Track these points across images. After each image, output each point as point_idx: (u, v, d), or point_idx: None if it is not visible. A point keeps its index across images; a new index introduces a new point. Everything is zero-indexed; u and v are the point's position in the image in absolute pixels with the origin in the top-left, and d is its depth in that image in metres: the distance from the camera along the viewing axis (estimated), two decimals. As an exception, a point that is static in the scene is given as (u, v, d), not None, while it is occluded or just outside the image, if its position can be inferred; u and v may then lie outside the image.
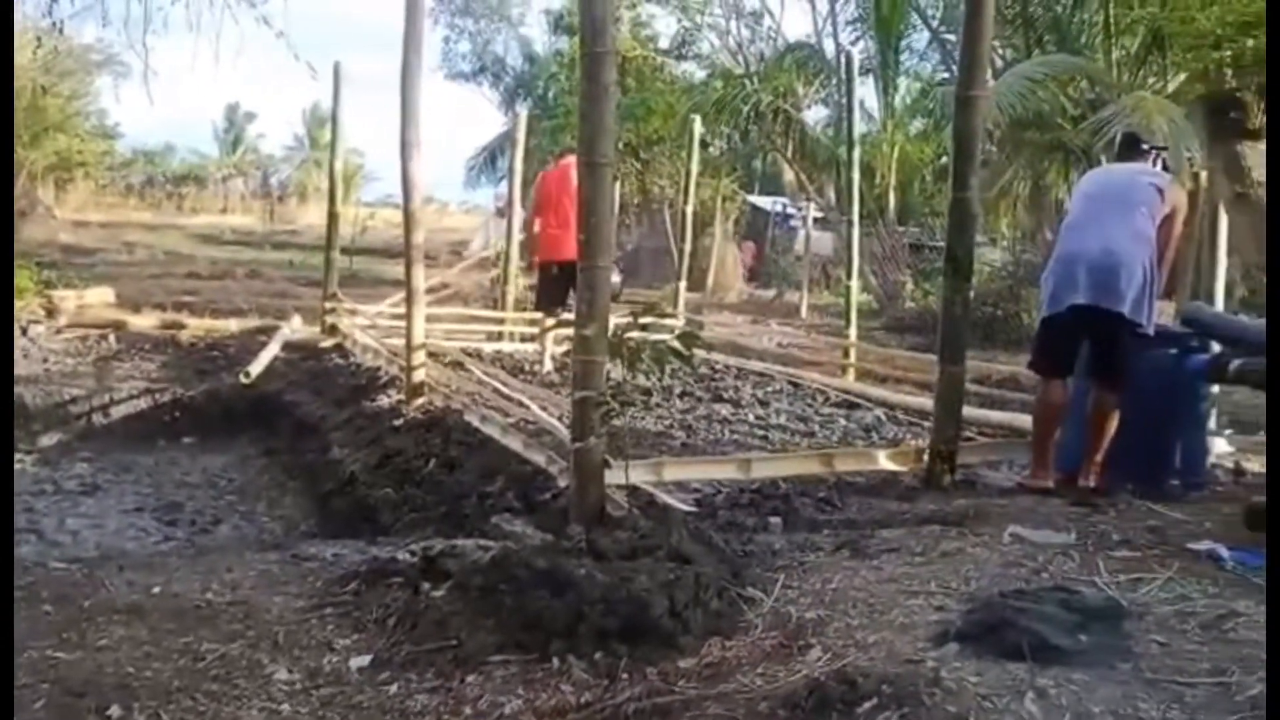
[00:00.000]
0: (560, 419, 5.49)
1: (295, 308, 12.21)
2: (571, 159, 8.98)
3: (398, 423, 6.71)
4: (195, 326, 11.05)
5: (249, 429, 8.13)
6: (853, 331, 9.34)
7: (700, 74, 25.74)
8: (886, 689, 2.81)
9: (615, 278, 9.39)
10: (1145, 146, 5.41)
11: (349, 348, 9.89)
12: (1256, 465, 5.65)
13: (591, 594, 3.40)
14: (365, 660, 3.37)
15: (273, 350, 9.36)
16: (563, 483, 4.75)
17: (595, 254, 4.11)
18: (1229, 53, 5.94)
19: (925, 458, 5.28)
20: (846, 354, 9.40)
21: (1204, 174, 6.74)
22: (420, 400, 6.98)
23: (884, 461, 5.42)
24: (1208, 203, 6.43)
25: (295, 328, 10.72)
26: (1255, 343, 4.65)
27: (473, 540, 4.28)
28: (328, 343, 10.35)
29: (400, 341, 7.71)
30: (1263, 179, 5.79)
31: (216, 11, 7.58)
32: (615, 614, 3.35)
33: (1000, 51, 17.93)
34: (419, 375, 7.06)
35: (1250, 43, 5.77)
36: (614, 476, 4.44)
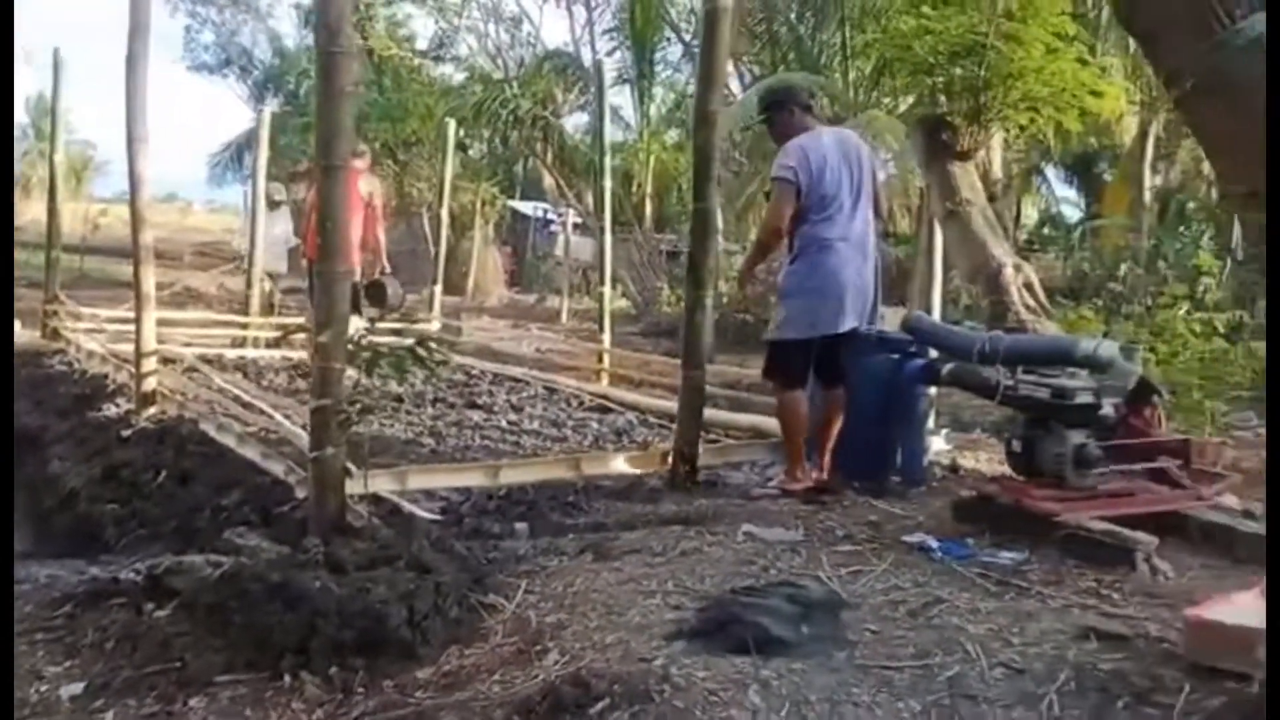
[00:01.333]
0: (303, 427, 5.32)
1: (15, 311, 11.28)
2: (354, 162, 8.88)
3: (126, 433, 6.31)
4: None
5: (-44, 443, 7.46)
6: (606, 337, 9.48)
7: (459, 77, 25.52)
8: (618, 689, 2.88)
9: (396, 286, 9.20)
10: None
11: (73, 354, 9.23)
12: (971, 461, 6.10)
13: (326, 607, 3.31)
14: (78, 688, 3.16)
15: (-15, 357, 8.62)
16: (301, 493, 4.60)
17: (332, 258, 4.01)
18: (941, 79, 6.45)
19: (669, 460, 5.43)
20: (600, 359, 9.54)
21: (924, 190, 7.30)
22: (152, 409, 6.60)
23: (630, 465, 5.54)
24: (926, 218, 6.95)
25: (14, 333, 9.90)
26: (962, 349, 5.04)
27: (203, 556, 4.07)
28: (49, 348, 9.61)
29: (130, 347, 7.27)
30: (969, 198, 6.31)
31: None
32: (351, 626, 3.28)
33: (749, 67, 18.73)
34: (150, 383, 6.67)
35: (958, 71, 6.29)
36: (355, 486, 4.35)
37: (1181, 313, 5.92)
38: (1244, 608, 3.15)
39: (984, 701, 2.86)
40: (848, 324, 5.12)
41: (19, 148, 43.42)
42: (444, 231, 11.79)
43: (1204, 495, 4.54)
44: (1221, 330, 5.87)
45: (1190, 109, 2.48)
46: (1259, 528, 4.39)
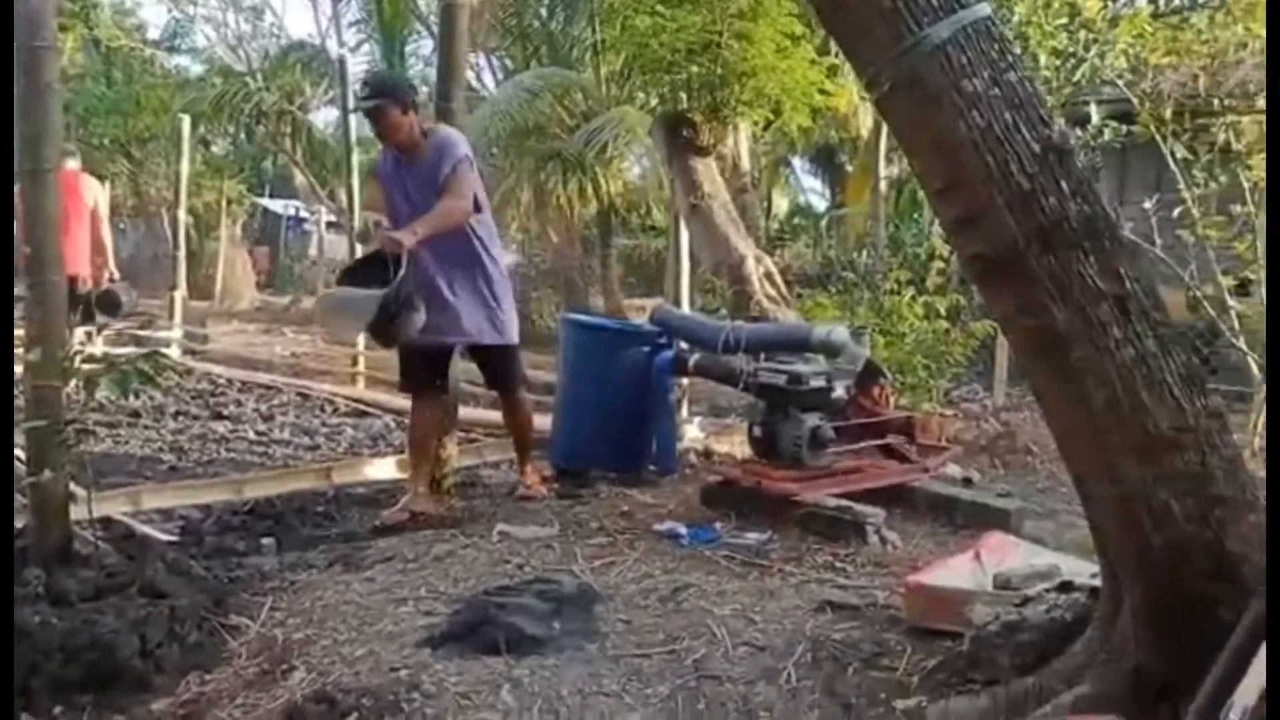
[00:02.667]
0: (22, 450, 4.93)
1: None
2: (68, 163, 8.27)
3: None
4: None
5: None
6: (360, 338, 9.24)
7: (197, 69, 24.22)
8: (367, 702, 2.84)
9: (130, 293, 8.62)
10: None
11: None
12: (726, 447, 6.29)
13: (48, 643, 3.11)
14: None
15: None
16: (21, 521, 4.27)
17: (43, 268, 3.73)
18: (680, 77, 6.64)
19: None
20: (355, 361, 9.30)
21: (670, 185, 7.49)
22: None
23: (384, 470, 5.44)
24: (670, 213, 7.15)
25: None
26: (708, 340, 5.22)
27: (-95, 598, 3.72)
28: None
29: None
30: (711, 192, 6.53)
31: None
32: (77, 661, 3.09)
33: (502, 60, 18.69)
34: None
35: (695, 68, 6.50)
36: (81, 510, 4.06)
37: (907, 297, 6.32)
38: (958, 571, 3.41)
39: (727, 680, 2.98)
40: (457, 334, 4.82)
41: None
42: (181, 233, 11.15)
43: (929, 467, 4.89)
44: (942, 313, 6.31)
45: (888, 110, 2.65)
46: (977, 495, 4.77)
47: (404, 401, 8.02)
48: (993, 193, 2.40)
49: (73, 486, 3.86)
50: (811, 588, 3.70)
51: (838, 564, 3.95)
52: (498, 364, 5.02)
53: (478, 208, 4.72)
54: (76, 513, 4.05)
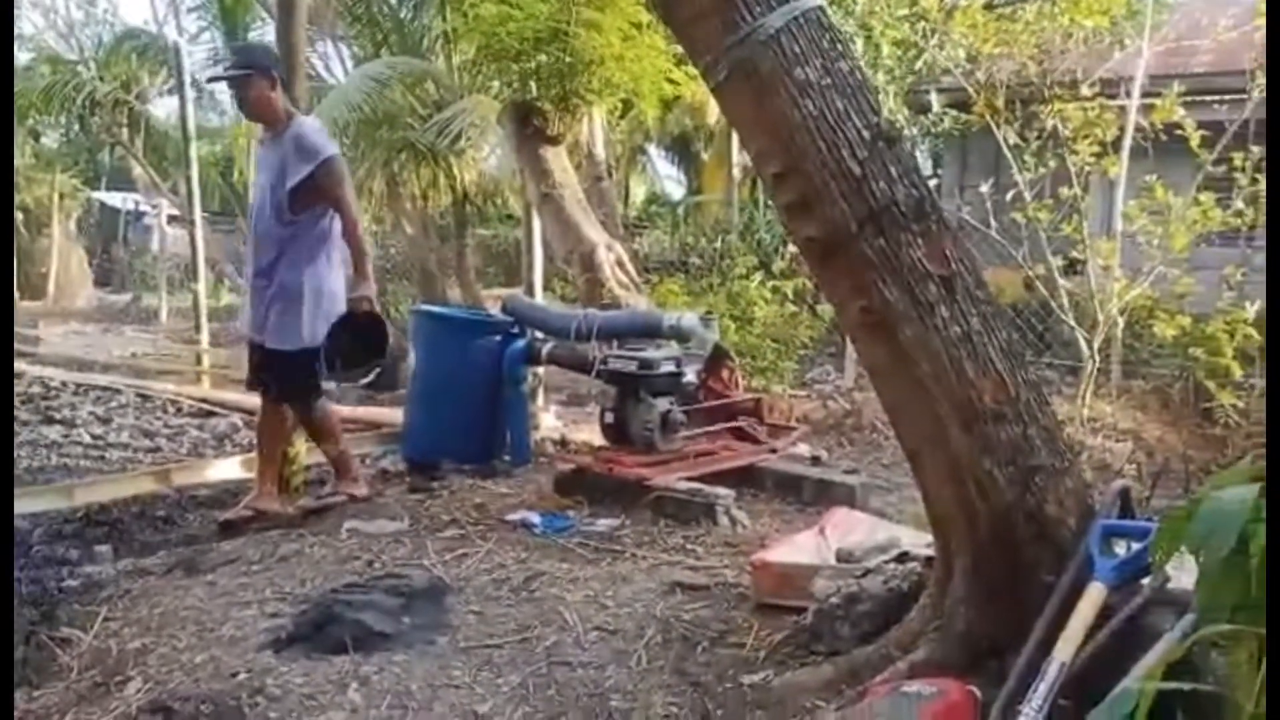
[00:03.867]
0: None
1: None
2: None
3: None
4: None
5: None
6: (204, 336, 8.93)
7: (24, 57, 22.96)
8: (206, 709, 2.75)
9: None
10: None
11: None
12: (584, 435, 6.28)
13: None
14: None
15: None
16: None
17: None
18: (529, 65, 6.60)
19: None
20: (199, 360, 8.98)
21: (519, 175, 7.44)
22: None
23: (228, 471, 5.27)
24: (523, 202, 7.10)
25: None
26: (560, 328, 5.22)
27: None
28: None
29: None
30: (561, 181, 6.52)
31: None
32: (-117, 687, 2.89)
33: (351, 49, 18.23)
34: None
35: (543, 58, 6.47)
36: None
37: (755, 282, 6.44)
38: (803, 547, 3.50)
39: (579, 666, 3.00)
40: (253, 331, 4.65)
41: None
42: (14, 230, 10.55)
43: (777, 448, 4.99)
44: (790, 296, 6.45)
45: (724, 97, 2.68)
46: (823, 473, 4.89)
47: (251, 399, 7.83)
48: (825, 177, 2.47)
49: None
50: (663, 570, 3.74)
51: (689, 546, 4.00)
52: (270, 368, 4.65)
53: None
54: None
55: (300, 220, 4.42)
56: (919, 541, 3.21)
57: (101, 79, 17.84)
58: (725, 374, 5.20)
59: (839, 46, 2.55)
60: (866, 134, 2.49)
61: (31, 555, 4.18)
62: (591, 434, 6.33)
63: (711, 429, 4.91)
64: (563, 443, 6.19)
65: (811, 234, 2.61)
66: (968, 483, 2.53)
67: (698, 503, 4.20)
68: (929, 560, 2.90)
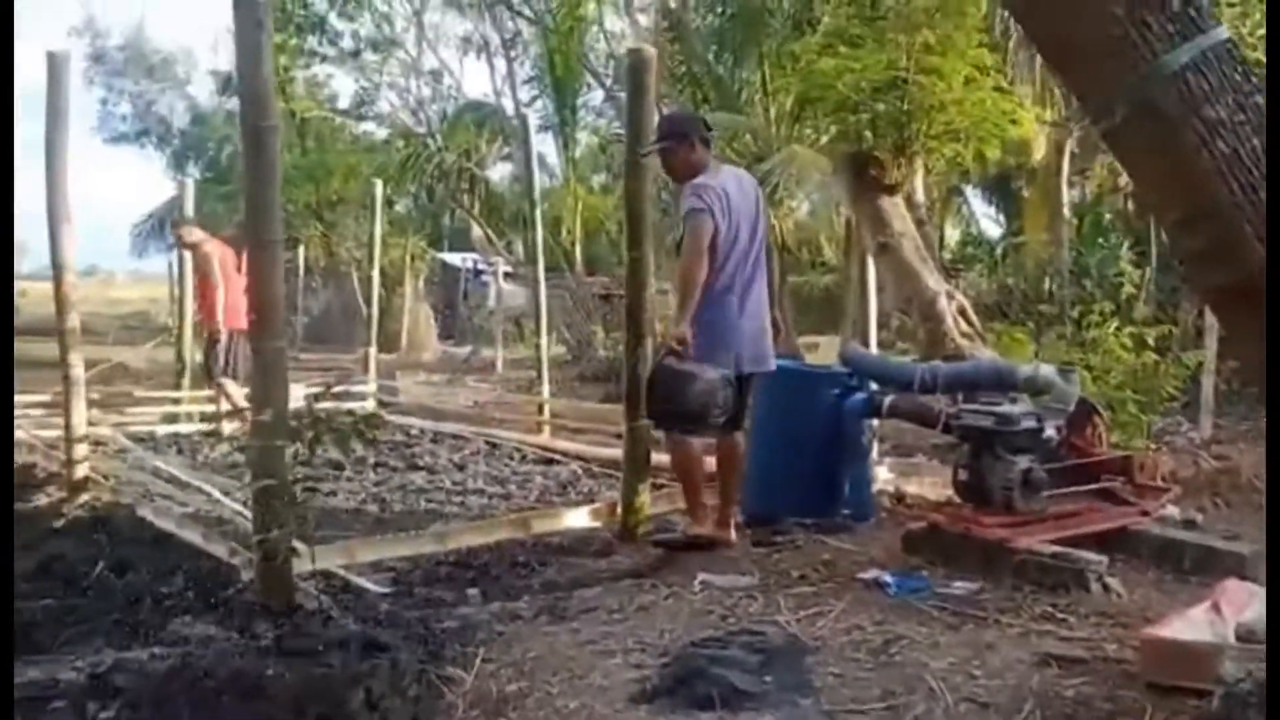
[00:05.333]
0: (244, 504, 5.20)
1: (-69, 400, 10.91)
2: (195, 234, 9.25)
3: (58, 524, 6.10)
4: None
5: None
6: (545, 387, 9.43)
7: (381, 133, 25.45)
8: (587, 758, 2.84)
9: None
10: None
11: (-1, 442, 8.93)
12: (916, 488, 6.13)
13: (281, 696, 3.21)
14: (23, 802, 3.04)
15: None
16: (247, 575, 4.48)
17: (268, 333, 3.94)
18: (865, 115, 6.56)
19: (619, 511, 5.39)
20: (541, 410, 9.48)
21: (853, 223, 7.41)
22: (85, 497, 6.39)
23: (580, 519, 5.49)
24: (857, 251, 7.04)
25: (-68, 424, 9.56)
26: (902, 380, 5.10)
27: (148, 650, 3.94)
28: (-28, 438, 9.30)
29: (59, 433, 7.07)
30: (900, 230, 6.41)
31: None
32: (307, 715, 3.18)
33: (670, 108, 18.91)
34: (81, 470, 6.48)
35: (881, 107, 6.41)
36: (303, 564, 4.25)
37: (1112, 329, 6.04)
38: (1196, 622, 3.20)
39: (952, 739, 2.86)
40: (744, 369, 4.92)
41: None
42: (376, 291, 11.66)
43: (1149, 510, 4.62)
44: (1151, 343, 6.00)
45: (1118, 140, 2.53)
46: (1203, 538, 4.48)
47: (590, 449, 8.18)
48: (1240, 222, 2.27)
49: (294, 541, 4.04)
50: (1032, 640, 3.53)
51: (1058, 614, 3.76)
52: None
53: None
54: (297, 566, 4.25)
55: None
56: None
57: (446, 149, 19.45)
58: (1089, 430, 4.89)
59: (1252, 80, 2.34)
60: (1287, 171, 2.27)
61: (414, 596, 4.50)
62: (923, 487, 6.14)
63: (1076, 489, 4.61)
64: (899, 497, 6.03)
65: (1221, 282, 2.41)
66: None
67: (1066, 568, 3.95)
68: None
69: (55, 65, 6.17)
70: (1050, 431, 4.52)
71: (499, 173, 22.88)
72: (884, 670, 3.32)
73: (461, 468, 7.75)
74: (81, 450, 6.49)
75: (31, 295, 24.25)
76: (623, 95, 18.26)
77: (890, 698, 3.11)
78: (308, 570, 4.34)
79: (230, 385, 8.96)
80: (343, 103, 27.29)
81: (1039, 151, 16.21)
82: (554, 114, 19.67)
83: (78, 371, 6.41)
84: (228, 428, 8.83)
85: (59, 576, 5.20)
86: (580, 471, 7.54)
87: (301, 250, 22.29)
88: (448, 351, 22.15)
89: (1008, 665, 3.30)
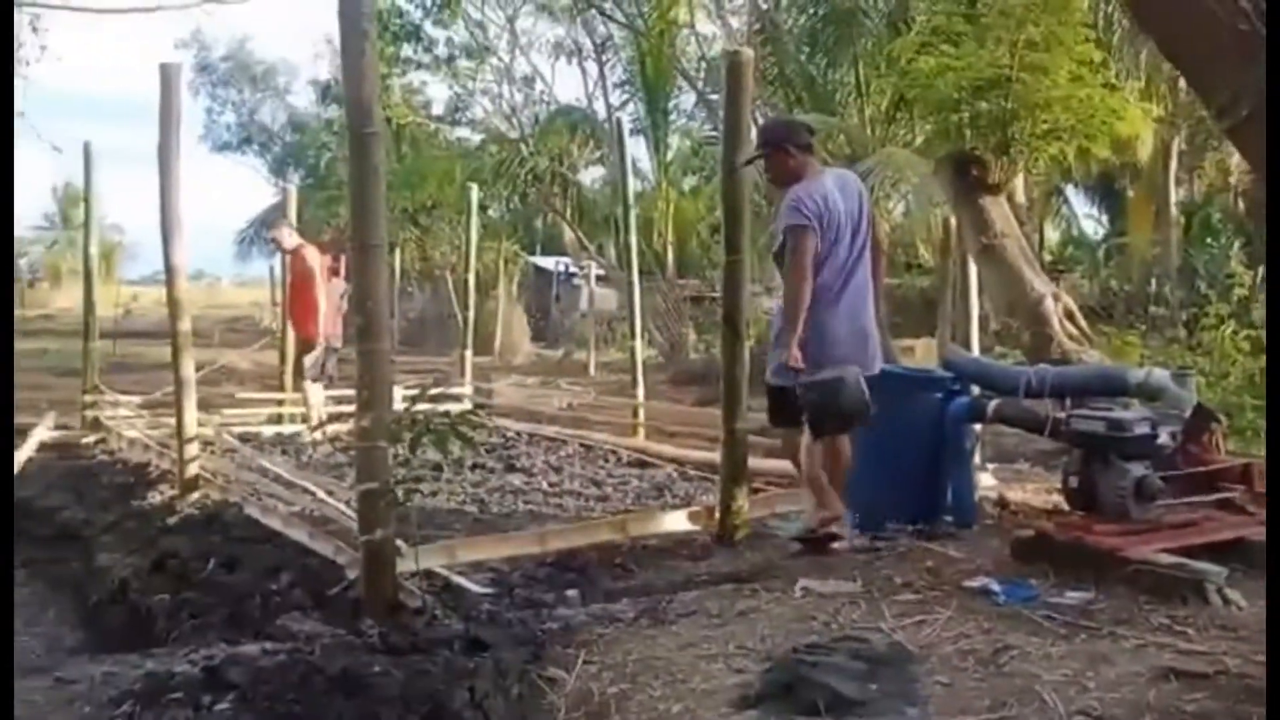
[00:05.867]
0: (347, 504, 5.30)
1: (51, 402, 11.35)
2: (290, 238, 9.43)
3: (172, 521, 6.30)
4: (-68, 430, 10.02)
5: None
6: (640, 390, 9.44)
7: (475, 139, 25.80)
8: (693, 762, 2.82)
9: None
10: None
11: (114, 443, 9.26)
12: (1020, 495, 5.99)
13: (387, 693, 3.27)
14: (143, 792, 3.12)
15: (27, 451, 8.66)
16: (352, 574, 4.57)
17: (373, 336, 4.01)
18: (967, 114, 6.43)
19: (716, 515, 5.37)
20: (635, 413, 9.49)
21: (954, 223, 7.26)
22: (195, 495, 6.60)
23: (677, 522, 5.48)
24: (958, 253, 6.91)
25: (52, 425, 9.95)
26: (1008, 384, 4.98)
27: (258, 645, 4.04)
28: (90, 438, 9.65)
29: (170, 433, 7.31)
30: (1004, 230, 6.26)
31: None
32: (414, 711, 3.23)
33: (762, 111, 18.81)
34: (193, 469, 6.69)
35: (984, 106, 6.26)
36: (406, 564, 4.31)
37: (1228, 332, 5.82)
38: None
39: (1067, 752, 2.78)
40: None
41: (45, 238, 44.33)
42: (471, 295, 11.81)
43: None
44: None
45: (1243, 136, 2.43)
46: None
47: (685, 452, 8.16)
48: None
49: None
50: (1150, 652, 3.41)
51: (1176, 626, 3.63)
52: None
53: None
54: (401, 566, 4.31)
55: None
56: None
57: (538, 153, 19.62)
58: (1206, 437, 4.72)
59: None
60: None
61: (514, 597, 4.54)
62: (1026, 494, 6.01)
63: (1193, 498, 4.45)
64: (1002, 504, 5.89)
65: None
66: None
67: (1184, 579, 3.81)
68: None
69: (167, 76, 6.38)
70: (1165, 438, 4.37)
71: (590, 176, 23.06)
72: (994, 680, 3.24)
73: (558, 469, 7.81)
74: (192, 450, 6.69)
75: (142, 300, 25.17)
76: (714, 98, 18.36)
77: (1001, 709, 3.03)
78: (410, 570, 4.41)
79: (314, 391, 9.09)
80: (437, 109, 27.81)
81: (1145, 149, 15.77)
82: (645, 117, 19.73)
83: (189, 373, 6.62)
84: (307, 436, 8.94)
85: (173, 572, 5.38)
86: (675, 475, 7.54)
87: (398, 255, 22.71)
88: (540, 354, 22.33)
89: (1124, 678, 3.19)
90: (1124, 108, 6.36)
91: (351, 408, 4.36)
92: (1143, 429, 4.32)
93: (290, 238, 9.53)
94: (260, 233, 28.33)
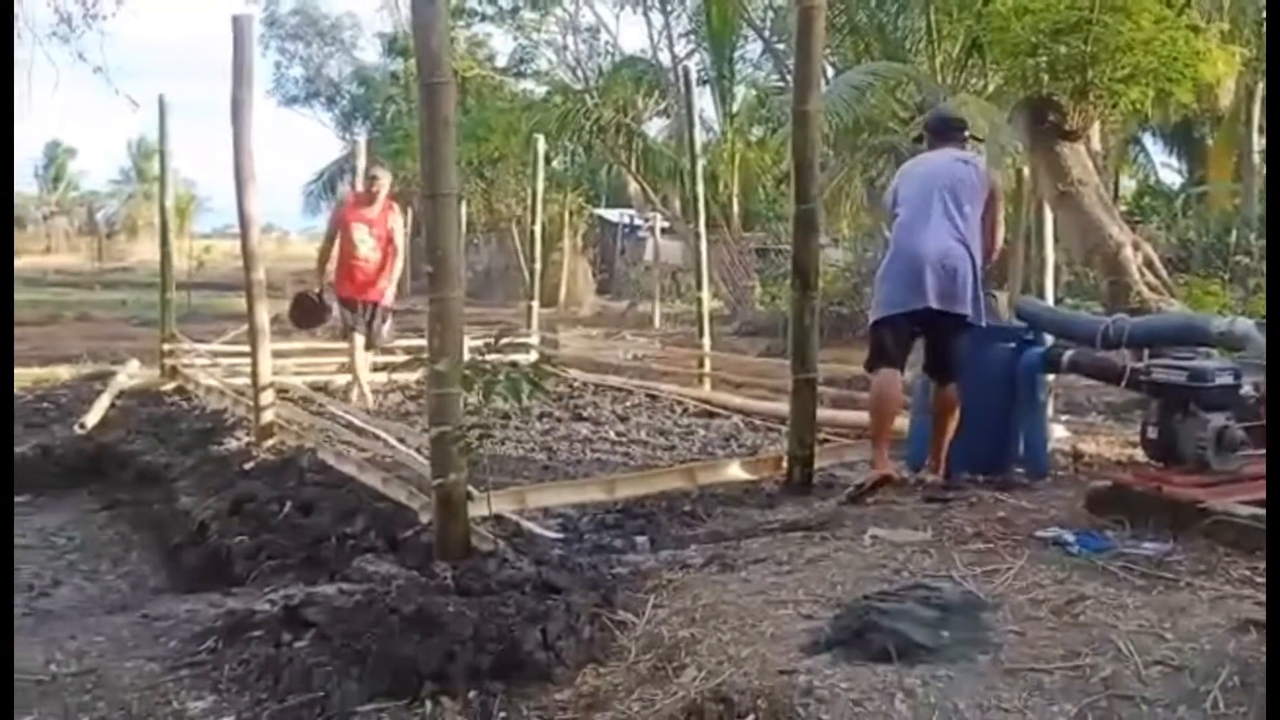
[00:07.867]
0: (418, 450, 5.39)
1: (131, 350, 11.65)
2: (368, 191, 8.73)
3: (248, 466, 6.45)
4: (21, 376, 10.32)
5: (87, 483, 7.71)
6: (706, 341, 9.43)
7: (540, 91, 25.74)
8: (762, 704, 2.84)
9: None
10: (960, 130, 5.41)
11: (191, 390, 9.49)
12: (1092, 447, 5.92)
13: (461, 632, 3.33)
14: (227, 723, 3.22)
15: (109, 397, 8.91)
16: (425, 518, 4.65)
17: (444, 285, 4.04)
18: (1044, 58, 6.24)
19: (784, 464, 5.37)
20: (701, 363, 9.49)
21: (1027, 172, 7.09)
22: (271, 441, 6.75)
23: (745, 471, 5.49)
24: (1033, 200, 6.75)
25: (132, 372, 10.21)
26: (1084, 334, 4.89)
27: (335, 585, 4.14)
28: (168, 386, 9.89)
29: (246, 380, 7.46)
30: (1082, 178, 6.11)
31: (26, 48, 7.16)
32: (487, 651, 3.29)
33: (831, 60, 18.50)
34: (268, 415, 6.82)
35: (1063, 49, 6.08)
36: (477, 508, 4.38)
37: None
38: None
39: (1142, 702, 2.75)
40: (929, 302, 4.91)
41: (122, 192, 45.27)
42: (537, 247, 11.84)
43: (1355, 472, 4.32)
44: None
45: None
46: None
47: (751, 403, 8.16)
48: None
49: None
50: (1229, 604, 3.35)
51: (1257, 579, 3.55)
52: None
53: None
54: (472, 510, 4.38)
55: None
56: None
57: (602, 105, 19.51)
58: (1290, 387, 4.59)
59: None
60: None
61: (583, 542, 4.59)
62: (1099, 446, 5.92)
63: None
64: (1075, 455, 5.83)
65: None
66: None
67: (1264, 530, 3.73)
68: None
69: (240, 28, 6.43)
70: (1248, 388, 4.27)
71: (655, 128, 22.88)
72: (1067, 630, 3.21)
73: (624, 419, 7.85)
74: (268, 397, 6.82)
75: (214, 252, 25.64)
76: (780, 47, 18.09)
77: (1075, 658, 3.00)
78: (482, 515, 4.47)
79: (361, 352, 8.54)
80: (501, 61, 27.75)
81: (1227, 95, 15.26)
82: (711, 67, 19.50)
83: (263, 322, 6.74)
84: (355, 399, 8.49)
85: (251, 515, 5.52)
86: (742, 425, 7.55)
87: (464, 207, 22.82)
88: (605, 306, 22.39)
89: (1202, 629, 3.14)
90: (1208, 51, 6.13)
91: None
92: (1225, 379, 4.22)
93: (387, 178, 8.99)
94: (329, 187, 28.63)
